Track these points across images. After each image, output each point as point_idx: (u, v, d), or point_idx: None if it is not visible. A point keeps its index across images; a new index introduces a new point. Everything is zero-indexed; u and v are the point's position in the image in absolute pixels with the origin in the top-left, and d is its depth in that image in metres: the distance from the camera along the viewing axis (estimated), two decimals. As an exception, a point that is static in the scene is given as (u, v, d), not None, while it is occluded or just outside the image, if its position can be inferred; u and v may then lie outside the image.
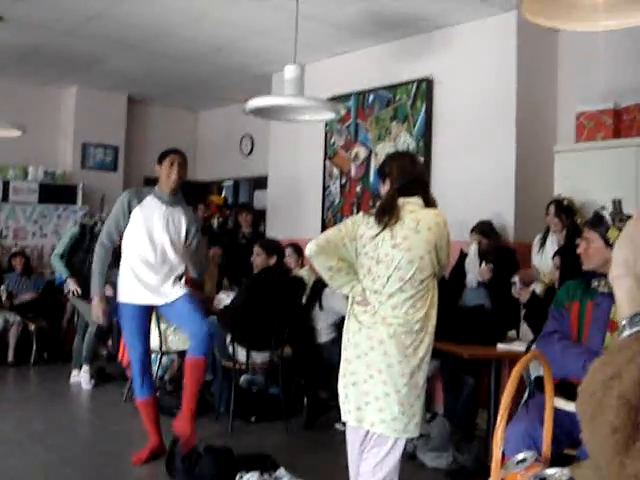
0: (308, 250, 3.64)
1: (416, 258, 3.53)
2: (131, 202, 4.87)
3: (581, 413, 0.86)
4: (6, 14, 6.77)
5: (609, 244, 3.43)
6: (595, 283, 3.49)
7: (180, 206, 4.98)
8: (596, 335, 3.39)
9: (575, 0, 2.69)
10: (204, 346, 4.84)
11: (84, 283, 6.79)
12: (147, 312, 4.94)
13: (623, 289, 0.96)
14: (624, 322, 0.91)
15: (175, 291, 4.84)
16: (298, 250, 6.73)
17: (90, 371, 7.24)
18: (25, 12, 6.71)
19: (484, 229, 5.84)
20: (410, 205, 3.60)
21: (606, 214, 3.58)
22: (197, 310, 4.87)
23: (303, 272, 6.52)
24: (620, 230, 3.42)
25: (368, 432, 3.66)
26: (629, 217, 4.80)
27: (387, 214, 3.59)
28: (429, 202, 3.68)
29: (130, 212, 4.85)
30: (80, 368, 7.26)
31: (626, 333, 0.90)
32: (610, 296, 3.41)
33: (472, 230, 5.85)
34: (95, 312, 4.90)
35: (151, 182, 8.58)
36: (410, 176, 3.68)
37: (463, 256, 5.86)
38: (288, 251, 6.67)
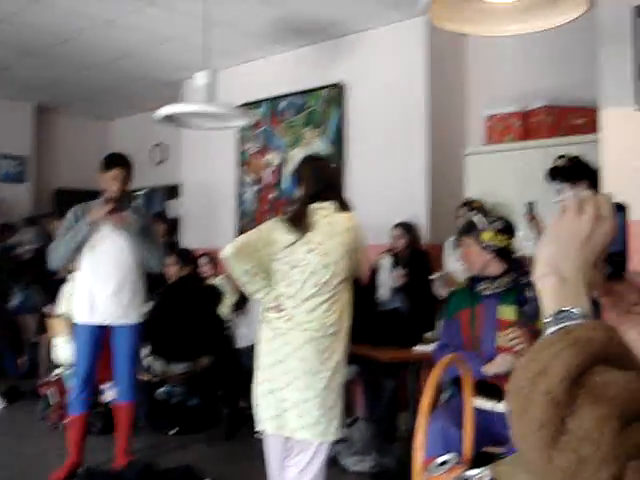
0: (225, 252, 3.60)
1: (331, 262, 3.54)
2: (78, 217, 4.79)
3: (509, 410, 0.87)
4: None
5: (484, 247, 3.52)
6: (479, 287, 3.57)
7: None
8: (487, 336, 3.48)
9: (481, 6, 2.73)
10: (129, 394, 4.93)
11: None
12: (102, 334, 4.88)
13: (547, 288, 0.98)
14: (549, 319, 0.93)
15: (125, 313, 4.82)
16: (212, 259, 6.67)
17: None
18: None
19: (407, 226, 5.90)
20: (324, 210, 3.60)
21: (476, 219, 3.67)
22: (130, 354, 4.88)
23: (218, 281, 6.47)
24: (492, 232, 3.52)
25: (288, 439, 3.64)
26: (533, 218, 4.92)
27: (301, 219, 3.58)
28: (343, 206, 3.68)
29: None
30: None
31: (551, 330, 0.91)
32: (494, 297, 3.50)
33: (395, 225, 5.90)
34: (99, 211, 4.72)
35: (64, 194, 8.43)
36: (324, 180, 3.68)
37: (378, 263, 5.90)
38: (202, 260, 6.61)
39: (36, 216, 9.03)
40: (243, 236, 3.75)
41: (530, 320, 3.37)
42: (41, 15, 6.39)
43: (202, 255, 6.68)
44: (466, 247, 3.62)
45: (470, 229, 3.63)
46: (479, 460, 2.31)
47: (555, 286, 0.97)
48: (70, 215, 4.85)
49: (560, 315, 0.93)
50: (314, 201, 3.63)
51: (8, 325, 7.73)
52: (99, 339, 4.86)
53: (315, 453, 3.59)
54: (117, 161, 4.89)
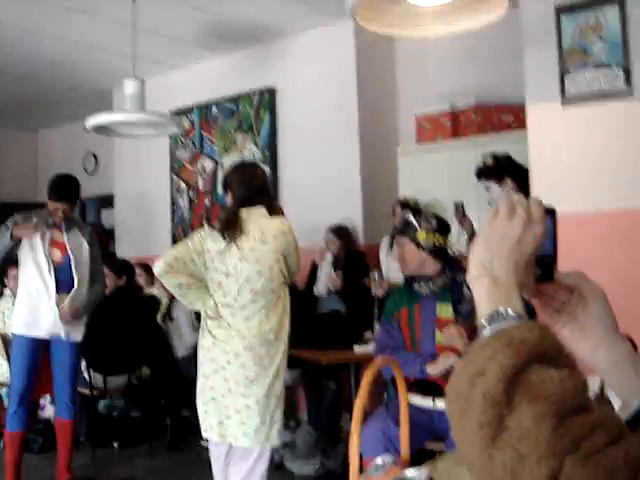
0: (156, 269, 3.58)
1: (265, 269, 3.54)
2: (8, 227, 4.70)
3: (449, 411, 0.89)
4: None
5: (420, 246, 3.56)
6: (417, 286, 3.60)
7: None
8: (427, 335, 3.52)
9: (406, 7, 2.75)
10: (70, 411, 4.86)
11: None
12: (41, 347, 4.77)
13: (481, 289, 0.99)
14: (483, 321, 0.95)
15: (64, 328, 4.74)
16: (147, 269, 6.59)
17: None
18: None
19: (339, 231, 5.92)
20: (254, 216, 3.60)
21: (412, 218, 3.72)
22: (71, 369, 4.81)
23: (154, 291, 6.40)
24: (427, 231, 3.57)
25: (231, 446, 3.63)
26: (463, 218, 4.99)
27: (231, 227, 3.57)
28: (274, 211, 3.69)
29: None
30: None
31: (486, 332, 0.93)
32: (432, 296, 3.55)
33: (328, 230, 5.92)
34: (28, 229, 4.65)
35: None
36: (252, 186, 3.68)
37: (315, 266, 5.92)
38: (138, 271, 6.54)
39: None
40: (172, 251, 3.72)
41: (467, 317, 3.42)
42: (-37, 26, 6.25)
43: (137, 265, 6.59)
44: (402, 247, 3.64)
45: (405, 229, 3.65)
46: (419, 457, 2.33)
47: (488, 287, 0.99)
48: (6, 223, 4.75)
49: (494, 316, 0.95)
50: (244, 207, 3.62)
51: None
52: (38, 353, 4.75)
53: (257, 460, 3.58)
54: (60, 194, 4.76)
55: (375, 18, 2.86)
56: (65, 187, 4.83)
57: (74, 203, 4.89)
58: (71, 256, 4.73)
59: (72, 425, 4.92)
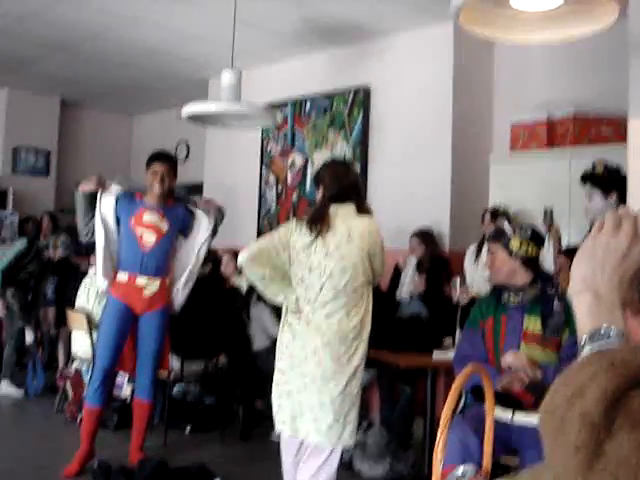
0: (240, 260, 3.61)
1: (349, 266, 3.51)
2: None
3: (542, 430, 0.86)
4: None
5: (512, 254, 3.48)
6: (505, 296, 3.53)
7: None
8: (511, 347, 3.44)
9: (512, 13, 2.70)
10: (149, 392, 4.92)
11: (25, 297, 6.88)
12: (131, 320, 4.84)
13: (582, 305, 0.96)
14: (584, 338, 0.91)
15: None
16: (236, 257, 6.63)
17: (14, 383, 7.09)
18: (-48, 12, 6.53)
19: (424, 236, 5.87)
20: (343, 213, 3.58)
21: (507, 225, 3.64)
22: (155, 348, 4.87)
23: (240, 280, 6.45)
24: (523, 239, 3.49)
25: (303, 442, 3.63)
26: (551, 225, 4.86)
27: (319, 222, 3.56)
28: (362, 210, 3.66)
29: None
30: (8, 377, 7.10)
31: (587, 349, 0.90)
32: (520, 308, 3.47)
33: (412, 235, 5.88)
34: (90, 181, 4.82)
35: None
36: (343, 183, 3.66)
37: (398, 269, 5.88)
38: (226, 258, 6.59)
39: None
40: (258, 242, 3.75)
41: (555, 333, 3.34)
42: (69, 11, 6.42)
43: (225, 253, 6.65)
44: (493, 254, 3.57)
45: (499, 236, 3.59)
46: (494, 470, 2.28)
47: (590, 303, 0.95)
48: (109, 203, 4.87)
49: (596, 335, 0.91)
50: (333, 203, 3.61)
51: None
52: (126, 322, 4.80)
53: (327, 458, 3.57)
54: (156, 160, 4.92)
55: (478, 21, 2.82)
56: (159, 155, 5.03)
57: (171, 173, 4.99)
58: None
59: (150, 407, 5.00)
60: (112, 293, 4.81)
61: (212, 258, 6.10)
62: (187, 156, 10.26)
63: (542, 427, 0.86)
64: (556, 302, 3.40)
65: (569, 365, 0.87)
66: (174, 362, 5.64)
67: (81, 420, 5.23)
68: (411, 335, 5.06)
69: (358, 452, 5.01)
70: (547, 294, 3.45)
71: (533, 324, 3.43)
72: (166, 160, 4.92)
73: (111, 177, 9.96)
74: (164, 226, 4.81)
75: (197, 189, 9.43)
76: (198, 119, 5.70)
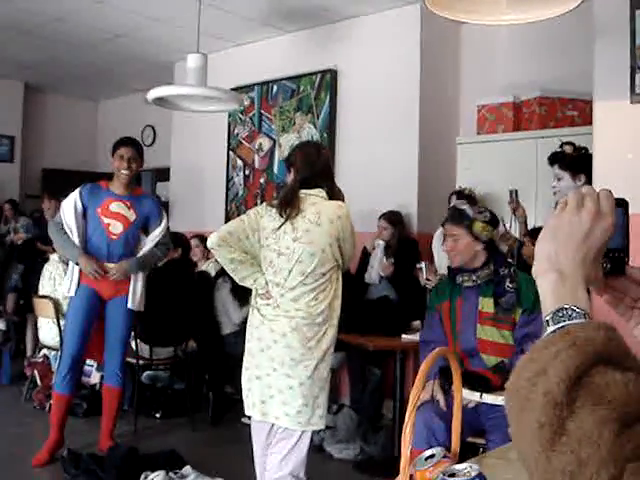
0: (210, 242, 3.59)
1: (318, 251, 3.50)
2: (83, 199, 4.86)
3: (508, 409, 0.87)
4: None
5: (476, 238, 3.50)
6: (460, 279, 3.55)
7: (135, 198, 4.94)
8: (468, 328, 3.49)
9: (478, -7, 2.71)
10: (118, 379, 4.95)
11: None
12: (98, 304, 4.85)
13: (546, 285, 0.96)
14: (547, 318, 0.92)
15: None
16: (204, 241, 6.62)
17: None
18: None
19: (392, 218, 5.88)
20: (312, 197, 3.57)
21: (466, 208, 3.65)
22: (123, 333, 4.91)
23: (209, 265, 6.43)
24: (484, 222, 3.51)
25: (273, 426, 3.63)
26: (517, 207, 4.88)
27: (289, 206, 3.55)
28: (334, 195, 3.65)
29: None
30: None
31: (550, 329, 0.90)
32: (476, 288, 3.50)
33: (381, 217, 5.88)
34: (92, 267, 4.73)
35: (50, 173, 8.39)
36: (315, 167, 3.64)
37: (366, 252, 5.88)
38: (194, 242, 6.57)
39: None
40: (228, 225, 3.73)
41: (507, 312, 3.38)
42: (32, -7, 6.33)
43: (193, 237, 6.63)
44: (455, 237, 3.57)
45: (459, 218, 3.59)
46: (462, 451, 2.29)
47: (555, 282, 0.95)
48: (70, 202, 4.84)
49: (560, 313, 0.92)
50: (304, 187, 3.60)
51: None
52: (94, 306, 4.82)
53: (297, 441, 3.57)
54: (122, 145, 4.97)
55: (445, 3, 2.81)
56: (125, 141, 5.09)
57: (137, 158, 5.06)
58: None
59: (119, 393, 5.01)
60: (82, 280, 4.80)
61: (181, 243, 6.06)
62: (154, 141, 10.19)
63: (507, 406, 0.87)
64: (508, 282, 3.44)
65: (526, 345, 0.87)
66: (143, 348, 5.62)
67: (50, 408, 5.21)
68: (380, 318, 5.08)
69: (328, 434, 5.04)
70: (500, 274, 3.49)
71: (487, 305, 3.46)
72: (132, 145, 4.89)
73: (75, 162, 9.94)
74: (131, 215, 4.84)
75: (164, 174, 9.38)
76: (164, 103, 5.65)
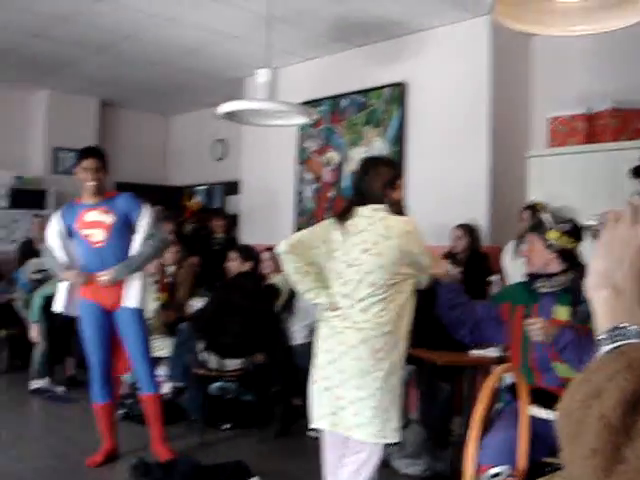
0: (279, 248, 3.63)
1: (386, 263, 3.51)
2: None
3: (560, 432, 0.83)
4: (-26, 17, 6.68)
5: (549, 246, 3.46)
6: (537, 285, 3.50)
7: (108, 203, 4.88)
8: None
9: (549, 4, 2.66)
10: (150, 383, 4.98)
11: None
12: (105, 316, 4.89)
13: (600, 301, 0.92)
14: (602, 337, 0.87)
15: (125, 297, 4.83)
16: (275, 255, 6.63)
17: (53, 382, 7.20)
18: (-7, 14, 6.62)
19: (468, 228, 5.87)
20: (381, 212, 3.58)
21: (545, 217, 3.61)
22: (138, 341, 4.90)
23: (278, 279, 6.45)
24: (561, 232, 3.46)
25: (344, 438, 3.62)
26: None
27: (348, 217, 3.59)
28: (398, 209, 3.65)
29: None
30: (40, 378, 7.18)
31: (605, 349, 0.86)
32: (552, 295, 3.44)
33: (458, 226, 5.86)
34: (77, 277, 4.80)
35: (123, 187, 8.54)
36: (382, 182, 3.65)
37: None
38: (266, 255, 6.59)
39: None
40: (298, 233, 3.77)
41: (584, 321, 3.30)
42: (106, 13, 6.48)
43: (266, 250, 6.66)
44: (530, 244, 3.57)
45: (537, 227, 3.58)
46: (535, 470, 2.24)
47: (609, 299, 0.91)
48: (52, 225, 4.92)
49: (615, 332, 0.87)
50: (372, 201, 3.61)
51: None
52: (102, 319, 4.86)
53: (370, 455, 3.56)
54: (85, 157, 4.85)
55: (514, 14, 2.78)
56: (87, 151, 4.98)
57: (102, 168, 4.92)
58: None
59: (157, 398, 5.03)
60: (83, 296, 4.87)
61: (251, 255, 6.10)
62: (224, 155, 10.31)
63: (559, 430, 0.83)
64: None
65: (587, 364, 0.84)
66: (212, 359, 5.67)
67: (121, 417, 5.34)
68: (448, 332, 5.02)
69: (396, 449, 4.99)
70: (578, 283, 3.42)
71: (562, 313, 3.40)
72: (94, 155, 4.85)
73: (147, 176, 10.13)
74: (108, 219, 4.77)
75: (234, 187, 9.48)
76: (234, 117, 5.71)
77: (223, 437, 5.76)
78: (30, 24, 6.92)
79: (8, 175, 9.34)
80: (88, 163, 4.77)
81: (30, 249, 8.53)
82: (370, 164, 3.85)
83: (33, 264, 7.67)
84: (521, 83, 6.53)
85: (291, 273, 3.67)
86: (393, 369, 3.56)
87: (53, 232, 4.88)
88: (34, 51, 7.85)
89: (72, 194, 6.36)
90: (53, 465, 4.96)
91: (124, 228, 4.81)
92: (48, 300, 6.95)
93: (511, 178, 6.27)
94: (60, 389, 7.16)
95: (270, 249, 6.68)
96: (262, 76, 5.45)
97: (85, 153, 4.88)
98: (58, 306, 4.95)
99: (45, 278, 7.39)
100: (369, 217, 3.59)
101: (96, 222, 4.76)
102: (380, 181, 3.69)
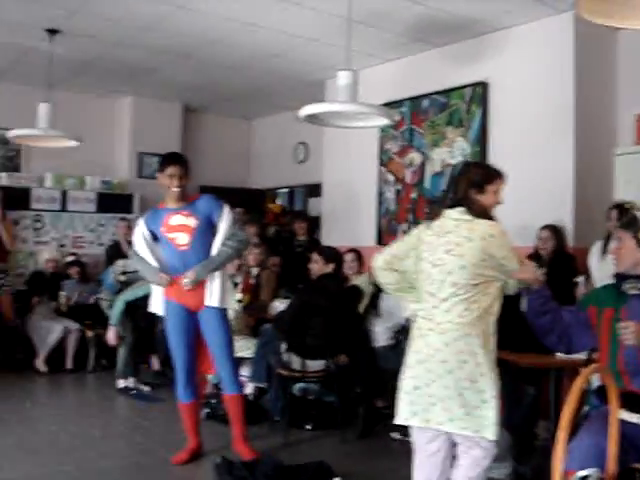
0: (374, 262, 3.76)
1: (468, 264, 3.50)
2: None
3: None
4: (62, 27, 6.89)
5: None
6: (626, 286, 3.40)
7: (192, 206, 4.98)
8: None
9: (635, -2, 2.60)
10: (234, 384, 5.06)
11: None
12: (190, 317, 4.99)
13: None
14: None
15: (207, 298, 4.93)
16: (359, 257, 6.65)
17: (138, 381, 7.41)
18: (80, 25, 6.82)
19: (556, 229, 5.79)
20: (467, 214, 3.60)
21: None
22: (221, 341, 4.98)
23: (361, 280, 6.46)
24: None
25: (438, 437, 3.62)
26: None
27: (439, 221, 3.65)
28: (481, 213, 3.63)
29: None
30: (125, 378, 7.36)
31: None
32: None
33: (545, 227, 5.79)
34: (163, 279, 4.94)
35: (206, 190, 8.69)
36: (472, 185, 3.67)
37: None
38: (349, 257, 6.60)
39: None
40: (393, 247, 3.84)
41: None
42: (188, 20, 6.61)
43: (348, 252, 6.68)
44: (620, 242, 3.46)
45: (629, 224, 3.48)
46: (625, 477, 2.18)
47: None
48: (138, 232, 5.05)
49: None
50: (460, 204, 3.61)
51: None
52: (186, 320, 4.95)
53: (485, 452, 3.55)
54: (170, 164, 4.96)
55: (600, 9, 2.72)
56: (172, 157, 5.11)
57: (186, 173, 5.04)
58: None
59: (241, 398, 5.12)
60: (168, 297, 4.99)
61: (334, 257, 6.12)
62: (306, 157, 10.38)
63: None
64: None
65: None
66: (295, 361, 5.71)
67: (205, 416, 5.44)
68: (533, 334, 4.94)
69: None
70: None
71: None
72: (179, 162, 4.97)
73: (230, 179, 10.30)
74: (191, 222, 4.87)
75: (316, 190, 9.54)
76: (316, 120, 5.74)
77: (306, 437, 5.79)
78: (114, 34, 7.11)
79: (96, 180, 9.59)
80: (173, 170, 4.88)
81: (117, 252, 8.77)
82: (464, 167, 3.90)
83: (119, 266, 7.87)
84: (607, 79, 6.38)
85: (385, 286, 3.84)
86: (482, 371, 3.53)
87: (139, 238, 5.02)
88: (118, 59, 8.06)
89: (156, 198, 6.53)
90: (139, 462, 5.09)
91: (207, 230, 4.91)
92: (131, 302, 7.15)
93: (597, 177, 6.13)
94: (146, 388, 7.33)
95: (353, 250, 6.71)
96: (343, 78, 5.47)
97: (169, 160, 5.00)
98: (154, 307, 5.13)
99: (130, 280, 7.58)
100: (456, 219, 3.61)
101: (181, 226, 4.88)
102: (466, 183, 3.69)
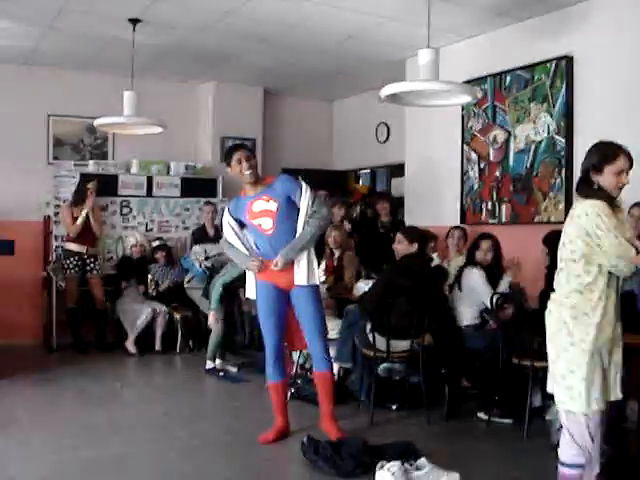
0: None
1: (567, 240, 3.66)
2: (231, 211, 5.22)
3: None
4: (144, 16, 7.03)
5: None
6: None
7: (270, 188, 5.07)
8: None
9: None
10: (325, 361, 5.13)
11: None
12: (281, 295, 5.08)
13: None
14: None
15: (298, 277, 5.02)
16: (465, 234, 6.98)
17: (225, 365, 7.55)
18: (162, 13, 6.94)
19: None
20: (581, 194, 3.74)
21: None
22: (313, 318, 5.05)
23: (461, 259, 6.47)
24: None
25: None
26: None
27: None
28: (589, 193, 3.69)
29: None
30: (214, 359, 7.50)
31: None
32: None
33: (635, 205, 5.65)
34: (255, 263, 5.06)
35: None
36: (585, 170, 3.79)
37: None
38: (457, 233, 6.85)
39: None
40: None
41: None
42: (269, 4, 6.66)
43: (455, 228, 6.75)
44: None
45: None
46: None
47: None
48: (225, 222, 5.23)
49: None
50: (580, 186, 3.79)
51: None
52: (277, 298, 5.06)
53: (568, 423, 3.69)
54: (235, 150, 5.13)
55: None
56: (235, 146, 5.38)
57: (252, 156, 5.19)
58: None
59: (331, 376, 5.22)
60: (259, 279, 5.10)
61: (418, 237, 6.08)
62: (388, 137, 10.34)
63: None
64: None
65: None
66: (380, 341, 5.71)
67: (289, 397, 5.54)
68: (624, 313, 4.83)
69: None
70: None
71: None
72: (242, 147, 5.18)
73: (311, 161, 10.35)
74: (272, 206, 4.96)
75: (399, 170, 9.50)
76: (397, 99, 5.71)
77: (391, 418, 5.81)
78: (194, 21, 7.21)
79: (180, 165, 9.76)
80: (239, 155, 5.04)
81: (203, 235, 8.93)
82: (590, 147, 3.87)
83: (199, 252, 8.05)
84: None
85: None
86: (599, 347, 3.61)
87: (227, 227, 5.19)
88: (199, 46, 8.16)
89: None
90: (227, 441, 5.20)
91: (289, 211, 4.99)
92: (227, 285, 7.29)
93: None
94: (233, 369, 7.45)
95: (458, 227, 6.78)
96: (424, 56, 5.43)
97: (230, 149, 5.23)
98: (249, 293, 5.29)
99: (215, 264, 7.72)
100: (576, 200, 3.79)
101: (263, 211, 4.98)
102: (586, 164, 3.77)
